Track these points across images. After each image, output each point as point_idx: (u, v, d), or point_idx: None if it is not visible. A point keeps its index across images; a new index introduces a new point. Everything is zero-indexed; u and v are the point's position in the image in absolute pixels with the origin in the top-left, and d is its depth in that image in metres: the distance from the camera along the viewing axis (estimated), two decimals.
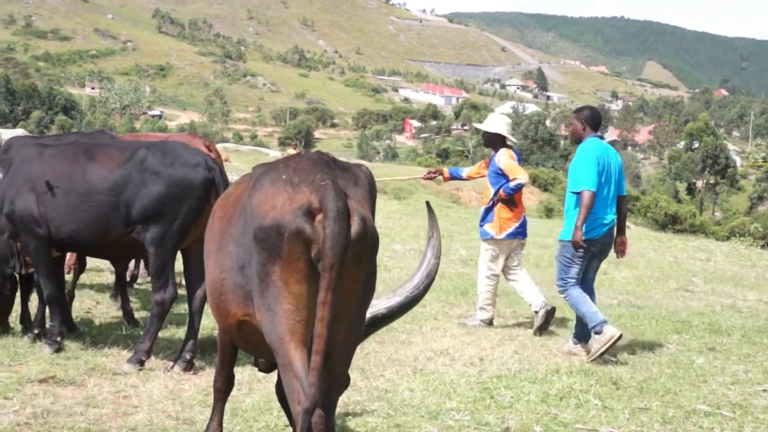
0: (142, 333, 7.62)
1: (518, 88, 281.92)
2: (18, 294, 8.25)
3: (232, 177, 7.50)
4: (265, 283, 3.83)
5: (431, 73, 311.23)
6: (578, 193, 8.04)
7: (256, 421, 5.82)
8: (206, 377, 6.92)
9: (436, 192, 37.95)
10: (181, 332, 8.23)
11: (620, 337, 8.01)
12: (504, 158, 9.46)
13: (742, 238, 29.39)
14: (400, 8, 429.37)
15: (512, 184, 9.33)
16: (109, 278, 11.03)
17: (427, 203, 5.30)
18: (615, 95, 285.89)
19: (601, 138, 8.55)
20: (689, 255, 18.72)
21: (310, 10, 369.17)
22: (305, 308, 3.78)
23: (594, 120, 8.47)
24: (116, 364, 7.16)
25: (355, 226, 3.74)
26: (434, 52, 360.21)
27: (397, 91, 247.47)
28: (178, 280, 8.00)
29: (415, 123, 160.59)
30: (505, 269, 9.65)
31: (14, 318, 8.43)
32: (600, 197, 8.09)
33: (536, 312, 9.38)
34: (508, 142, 9.72)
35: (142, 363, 7.15)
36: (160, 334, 7.80)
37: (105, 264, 11.26)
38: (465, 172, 10.34)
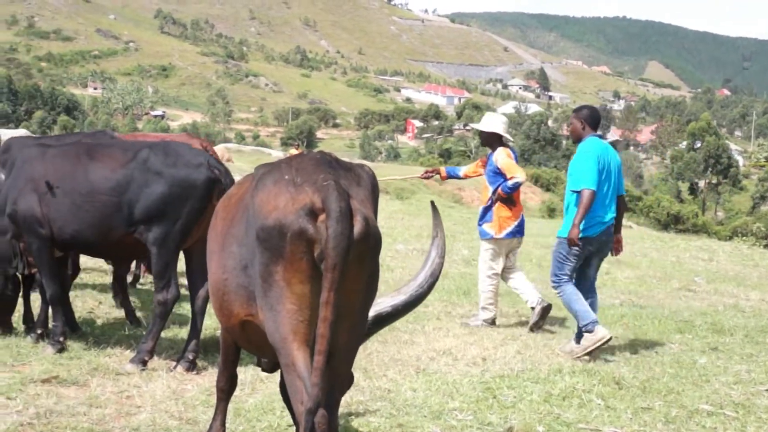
0: (144, 333, 7.62)
1: (520, 88, 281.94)
2: (21, 294, 8.25)
3: (235, 177, 7.49)
4: (267, 283, 3.83)
5: (433, 74, 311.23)
6: (578, 192, 8.06)
7: (259, 421, 5.83)
8: (209, 377, 6.93)
9: (438, 192, 37.93)
10: (183, 332, 8.23)
11: (610, 339, 8.11)
12: (502, 157, 9.47)
13: (744, 238, 29.37)
14: (402, 8, 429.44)
15: (510, 182, 9.34)
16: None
17: (432, 203, 5.31)
18: (617, 95, 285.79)
19: (601, 137, 8.56)
20: (692, 255, 18.71)
21: (312, 10, 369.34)
22: (308, 308, 3.78)
23: (593, 119, 8.49)
24: (119, 365, 7.16)
25: (357, 226, 3.74)
26: (436, 53, 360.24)
27: (399, 91, 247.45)
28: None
29: (418, 123, 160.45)
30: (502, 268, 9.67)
31: (17, 318, 8.44)
32: (599, 196, 8.11)
33: (533, 308, 9.49)
34: (505, 141, 9.72)
35: (144, 363, 7.16)
36: (163, 334, 7.80)
37: (108, 264, 11.25)
38: (462, 171, 10.35)
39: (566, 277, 8.33)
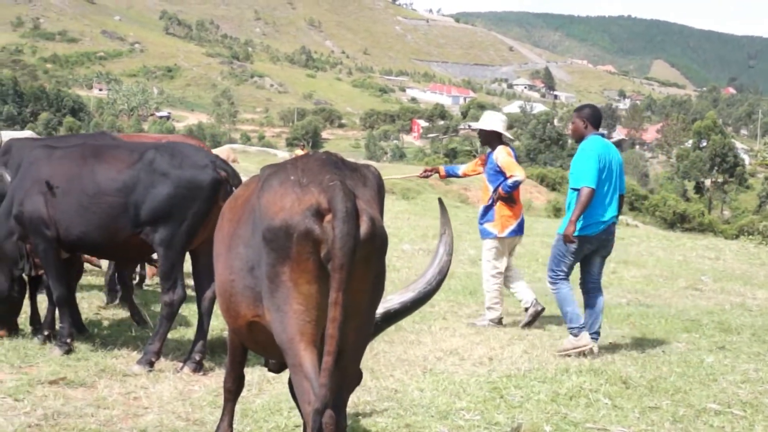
0: (151, 334, 7.63)
1: (525, 88, 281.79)
2: (27, 296, 8.27)
3: (241, 178, 7.50)
4: (274, 284, 3.83)
5: (438, 73, 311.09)
6: (578, 190, 8.07)
7: (266, 421, 5.83)
8: (216, 378, 6.93)
9: (444, 192, 37.95)
10: (190, 333, 8.23)
11: (591, 348, 8.15)
12: (502, 155, 9.47)
13: (751, 237, 29.23)
14: (407, 8, 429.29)
15: (510, 181, 9.35)
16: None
17: (440, 200, 5.32)
18: (622, 94, 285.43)
19: (603, 136, 8.56)
20: (698, 254, 18.68)
21: (317, 10, 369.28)
22: (315, 308, 3.78)
23: (595, 118, 8.49)
24: (126, 366, 7.17)
25: (363, 227, 3.75)
26: (441, 52, 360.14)
27: (404, 91, 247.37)
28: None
29: (423, 123, 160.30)
30: None
31: (24, 320, 8.45)
32: (599, 195, 8.12)
33: (526, 309, 9.60)
34: (505, 139, 9.72)
35: (151, 364, 7.17)
36: (170, 336, 7.81)
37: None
38: (461, 169, 10.37)
39: (563, 274, 8.36)
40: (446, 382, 6.95)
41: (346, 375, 3.88)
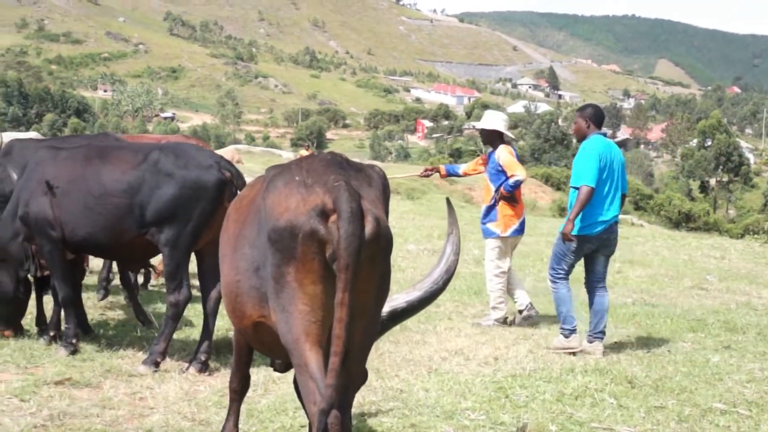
0: (156, 335, 7.64)
1: (530, 88, 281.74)
2: (33, 296, 8.28)
3: (246, 178, 7.50)
4: (280, 285, 3.83)
5: (443, 73, 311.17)
6: (578, 188, 8.09)
7: (272, 422, 5.83)
8: (221, 378, 6.94)
9: (448, 192, 37.96)
10: (195, 334, 8.24)
11: (578, 351, 8.24)
12: (504, 155, 9.48)
13: (756, 236, 29.19)
14: (411, 8, 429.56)
15: (511, 181, 9.36)
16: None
17: (447, 200, 5.33)
18: (627, 93, 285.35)
19: (605, 135, 8.57)
20: (703, 253, 18.65)
21: (321, 11, 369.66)
22: (320, 309, 3.78)
23: (597, 118, 8.50)
24: (131, 366, 7.18)
25: (368, 227, 3.74)
26: (445, 52, 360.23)
27: (408, 91, 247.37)
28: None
29: (427, 123, 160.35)
30: None
31: (30, 320, 8.47)
32: (599, 194, 8.13)
33: (520, 311, 9.66)
34: (506, 139, 9.73)
35: (157, 365, 7.17)
36: (175, 336, 7.81)
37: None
38: (461, 168, 10.39)
39: (563, 273, 8.40)
40: (451, 382, 6.95)
41: (351, 375, 3.88)
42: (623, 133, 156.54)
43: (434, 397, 6.54)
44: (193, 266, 7.71)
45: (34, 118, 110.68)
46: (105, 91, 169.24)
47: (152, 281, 11.45)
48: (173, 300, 7.28)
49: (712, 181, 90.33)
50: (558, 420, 6.09)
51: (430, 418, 6.02)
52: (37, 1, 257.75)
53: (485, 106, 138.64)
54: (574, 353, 8.15)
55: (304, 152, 28.63)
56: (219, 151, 18.93)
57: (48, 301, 8.42)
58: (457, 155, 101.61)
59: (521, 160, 9.82)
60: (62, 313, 7.78)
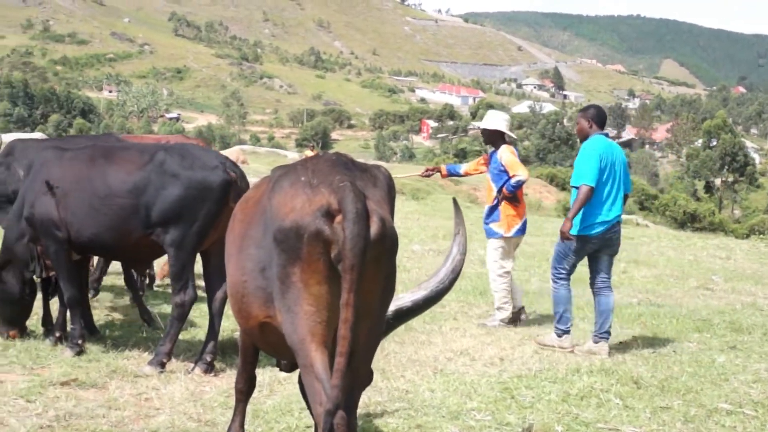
0: (162, 335, 7.64)
1: (535, 88, 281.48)
2: (39, 297, 8.29)
3: (251, 179, 7.51)
4: (285, 285, 3.83)
5: (447, 74, 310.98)
6: (578, 188, 8.12)
7: (277, 422, 5.84)
8: (227, 379, 6.94)
9: (454, 192, 37.97)
10: (201, 334, 8.25)
11: (568, 351, 8.37)
12: (506, 155, 9.48)
13: (761, 236, 29.15)
14: (416, 9, 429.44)
15: (513, 181, 9.37)
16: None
17: (454, 200, 5.33)
18: (632, 93, 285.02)
19: (607, 135, 8.58)
20: (709, 253, 18.63)
21: (326, 11, 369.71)
22: (325, 309, 3.78)
23: (600, 118, 8.54)
24: (137, 367, 7.18)
25: (374, 227, 3.74)
26: (450, 52, 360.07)
27: (413, 91, 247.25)
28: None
29: (432, 123, 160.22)
30: None
31: (35, 321, 8.48)
32: (600, 194, 8.16)
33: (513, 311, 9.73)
34: (508, 139, 9.73)
35: (162, 365, 7.18)
36: (181, 337, 7.82)
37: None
38: (462, 168, 10.40)
39: (564, 272, 8.44)
40: (457, 383, 6.95)
41: (357, 375, 3.88)
42: (628, 133, 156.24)
43: (440, 397, 6.54)
44: (198, 267, 7.71)
45: (39, 119, 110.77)
46: (110, 91, 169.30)
47: (157, 281, 11.46)
48: (179, 301, 7.29)
49: (718, 181, 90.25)
50: (564, 420, 6.09)
51: (435, 419, 6.03)
52: (42, 1, 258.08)
53: (490, 107, 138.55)
54: (595, 351, 8.21)
55: (309, 153, 28.67)
56: (224, 152, 18.97)
57: (54, 301, 8.43)
58: (461, 155, 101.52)
59: (525, 160, 9.82)
60: (68, 313, 7.79)
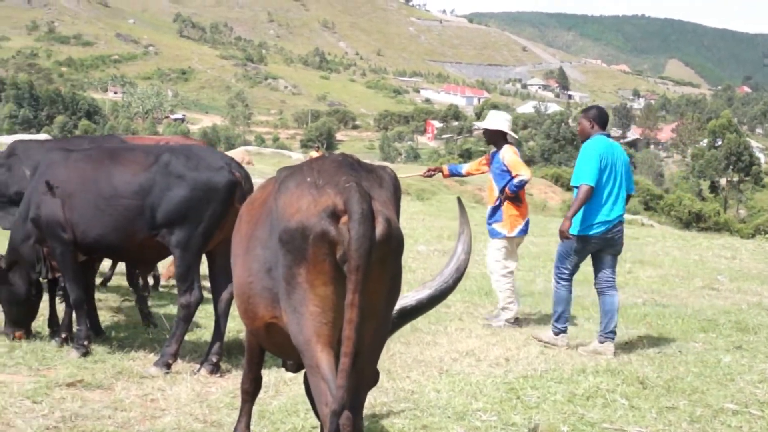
0: (168, 336, 7.65)
1: (540, 88, 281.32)
2: (46, 298, 8.30)
3: (256, 179, 7.51)
4: (291, 286, 3.83)
5: (452, 74, 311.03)
6: (578, 188, 8.14)
7: (283, 423, 5.84)
8: (233, 380, 6.95)
9: (459, 192, 37.90)
10: (207, 335, 8.25)
11: (560, 348, 8.44)
12: (509, 155, 9.49)
13: (767, 236, 29.12)
14: (420, 9, 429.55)
15: (515, 181, 9.36)
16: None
17: (458, 199, 5.34)
18: (637, 94, 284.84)
19: (608, 136, 8.60)
20: (714, 253, 18.61)
21: (331, 12, 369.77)
22: (331, 310, 3.79)
23: (601, 119, 8.57)
24: (143, 368, 7.19)
25: (379, 228, 3.75)
26: (455, 53, 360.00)
27: (418, 92, 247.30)
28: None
29: (437, 124, 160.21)
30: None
31: (42, 322, 8.49)
32: (601, 194, 8.18)
33: (503, 309, 9.72)
34: (510, 139, 9.74)
35: (168, 366, 7.18)
36: (187, 338, 7.83)
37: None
38: (464, 168, 10.41)
39: (567, 273, 8.48)
40: (463, 383, 6.95)
41: (362, 376, 3.88)
42: (633, 133, 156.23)
43: (445, 398, 6.54)
44: (203, 268, 7.72)
45: (44, 120, 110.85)
46: (115, 92, 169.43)
47: (162, 282, 11.48)
48: (184, 302, 7.30)
49: (723, 181, 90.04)
50: (569, 421, 6.09)
51: (441, 419, 6.03)
52: (47, 3, 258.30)
53: (495, 107, 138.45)
54: (600, 351, 8.22)
55: (314, 153, 28.67)
56: (229, 153, 18.98)
57: (60, 302, 8.44)
58: (466, 156, 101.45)
59: (530, 160, 9.85)
60: (74, 315, 7.80)
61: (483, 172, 10.05)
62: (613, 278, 8.50)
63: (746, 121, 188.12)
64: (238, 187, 7.18)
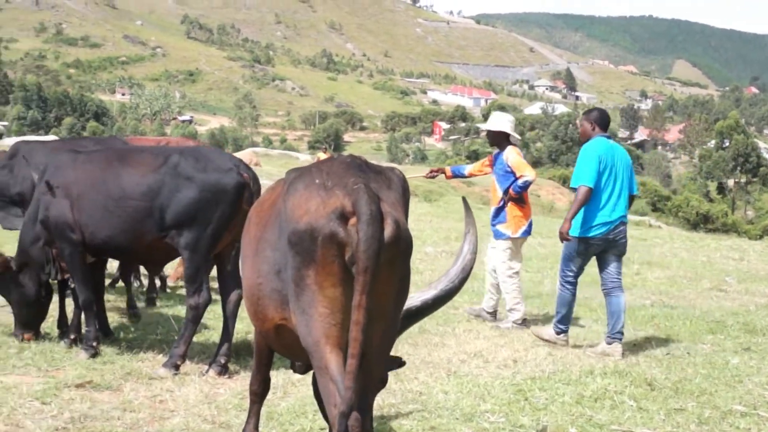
0: (176, 338, 7.66)
1: (547, 89, 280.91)
2: (55, 299, 8.33)
3: (263, 181, 7.53)
4: (300, 287, 3.84)
5: (459, 75, 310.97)
6: (577, 189, 8.16)
7: (292, 424, 5.84)
8: (241, 381, 6.96)
9: (466, 193, 37.88)
10: (215, 336, 8.27)
11: (558, 345, 8.55)
12: (512, 156, 9.52)
13: None
14: (428, 10, 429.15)
15: (520, 181, 9.39)
16: (144, 283, 11.09)
17: (464, 199, 5.32)
18: (644, 94, 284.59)
19: (609, 137, 8.60)
20: (722, 254, 18.58)
21: (338, 13, 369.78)
22: (340, 311, 3.79)
23: (602, 120, 8.61)
24: (152, 369, 7.20)
25: (388, 230, 3.74)
26: (462, 54, 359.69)
27: (425, 93, 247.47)
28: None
29: (444, 125, 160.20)
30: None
31: (51, 323, 8.51)
32: (601, 196, 8.21)
33: (490, 312, 9.93)
34: (513, 140, 9.74)
35: (177, 367, 7.19)
36: (195, 339, 7.84)
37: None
38: (467, 169, 10.42)
39: (572, 275, 8.49)
40: (471, 385, 6.95)
41: (371, 377, 3.89)
42: (641, 134, 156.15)
43: (453, 399, 6.55)
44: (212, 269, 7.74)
45: (53, 122, 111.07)
46: (123, 94, 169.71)
47: (170, 283, 11.49)
48: (193, 303, 7.31)
49: (730, 182, 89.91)
50: (577, 422, 6.08)
51: (449, 421, 6.03)
52: (55, 5, 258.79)
53: (502, 108, 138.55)
54: (608, 353, 8.23)
55: (321, 155, 28.69)
56: (237, 154, 18.99)
57: (69, 303, 8.46)
58: (474, 157, 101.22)
59: (537, 161, 9.87)
60: (83, 316, 7.81)
61: (486, 173, 10.06)
62: (619, 279, 8.50)
63: (754, 122, 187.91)
64: (246, 188, 7.19)
